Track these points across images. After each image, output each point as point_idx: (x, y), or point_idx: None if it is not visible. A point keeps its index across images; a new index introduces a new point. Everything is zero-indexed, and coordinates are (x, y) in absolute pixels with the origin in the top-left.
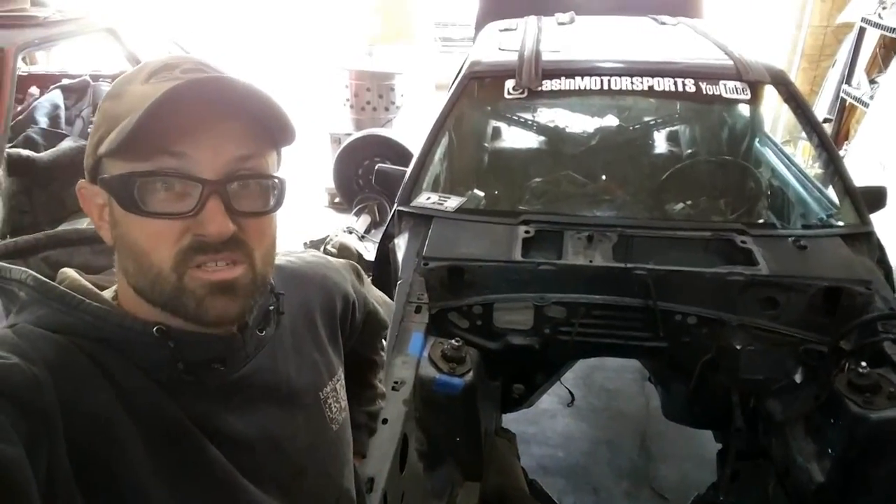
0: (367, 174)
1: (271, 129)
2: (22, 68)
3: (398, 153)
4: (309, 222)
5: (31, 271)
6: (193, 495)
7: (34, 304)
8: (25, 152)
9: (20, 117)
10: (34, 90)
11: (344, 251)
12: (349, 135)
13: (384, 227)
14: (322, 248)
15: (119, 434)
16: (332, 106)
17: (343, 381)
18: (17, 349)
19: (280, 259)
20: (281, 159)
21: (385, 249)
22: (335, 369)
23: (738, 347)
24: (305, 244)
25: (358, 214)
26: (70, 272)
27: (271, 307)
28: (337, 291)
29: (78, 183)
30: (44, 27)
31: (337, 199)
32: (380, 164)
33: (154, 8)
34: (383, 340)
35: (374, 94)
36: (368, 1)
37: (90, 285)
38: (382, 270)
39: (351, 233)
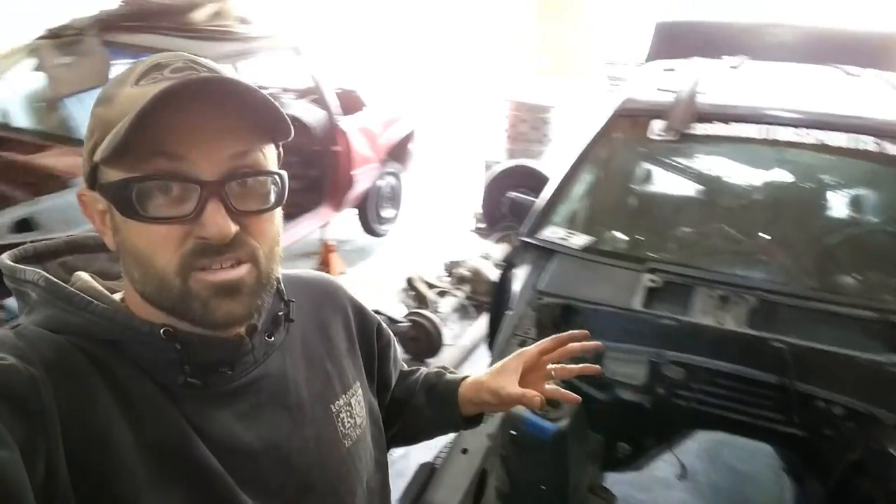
0: None
1: (266, 123)
2: None
3: (544, 185)
4: (452, 244)
5: (44, 273)
6: None
7: (43, 305)
8: None
9: None
10: None
11: (476, 275)
12: (500, 163)
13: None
14: (457, 270)
15: (115, 438)
16: (490, 134)
17: (360, 397)
18: (15, 350)
19: (285, 270)
20: (280, 155)
21: (505, 275)
22: (350, 383)
23: (894, 453)
24: (445, 264)
25: (498, 242)
26: (83, 275)
27: (280, 313)
28: (348, 302)
29: (77, 190)
30: (241, 42)
31: (482, 225)
32: (511, 193)
33: (327, 35)
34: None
35: (528, 125)
36: (536, 35)
37: (101, 288)
38: (499, 297)
39: (487, 259)
